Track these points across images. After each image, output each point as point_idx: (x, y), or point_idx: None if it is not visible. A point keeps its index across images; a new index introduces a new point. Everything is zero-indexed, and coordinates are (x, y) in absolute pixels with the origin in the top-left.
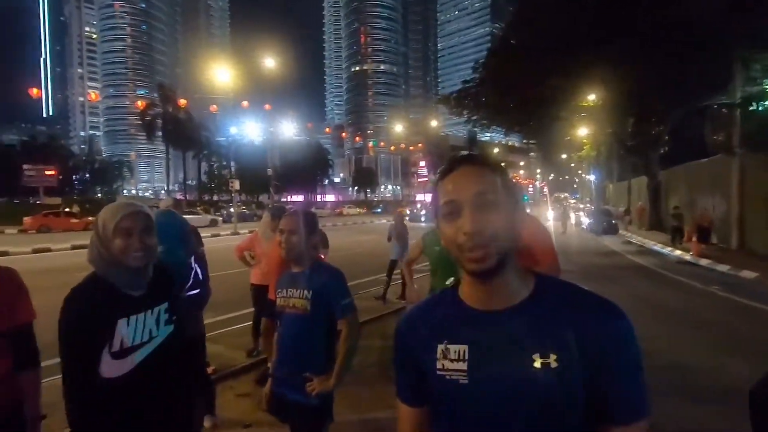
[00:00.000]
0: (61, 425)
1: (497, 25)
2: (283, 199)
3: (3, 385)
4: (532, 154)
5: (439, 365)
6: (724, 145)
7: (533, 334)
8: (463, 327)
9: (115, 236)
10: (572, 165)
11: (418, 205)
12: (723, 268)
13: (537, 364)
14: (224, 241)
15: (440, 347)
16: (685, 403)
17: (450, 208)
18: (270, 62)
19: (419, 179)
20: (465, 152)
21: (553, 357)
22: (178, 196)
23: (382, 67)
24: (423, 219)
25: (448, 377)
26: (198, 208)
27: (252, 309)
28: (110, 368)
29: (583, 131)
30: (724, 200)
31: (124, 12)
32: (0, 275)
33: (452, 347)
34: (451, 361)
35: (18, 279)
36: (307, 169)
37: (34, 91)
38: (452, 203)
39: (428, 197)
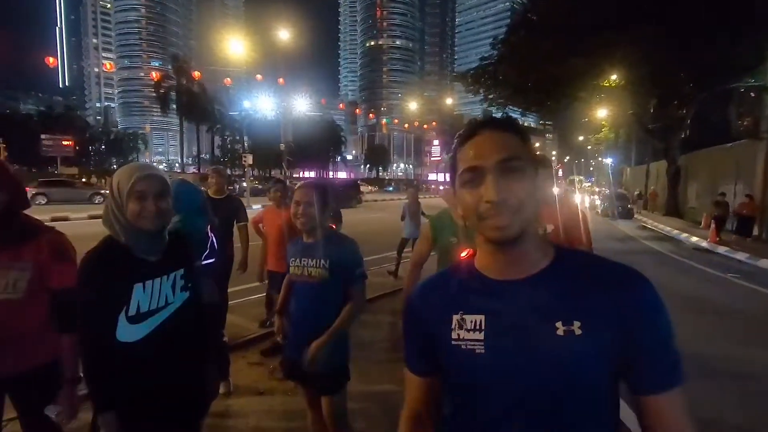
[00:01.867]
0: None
1: (518, 0)
2: (295, 175)
3: (39, 337)
4: (548, 135)
5: (454, 335)
6: (751, 130)
7: (555, 302)
8: (480, 297)
9: (129, 199)
10: (589, 147)
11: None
12: (741, 256)
13: (560, 332)
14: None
15: (455, 317)
16: (704, 390)
17: (472, 174)
18: (284, 35)
19: (432, 158)
20: (488, 118)
21: (577, 324)
22: (192, 169)
23: (397, 42)
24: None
25: (463, 347)
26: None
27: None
28: (127, 332)
29: (602, 113)
30: (747, 187)
31: None
32: (53, 238)
33: (468, 317)
34: (468, 331)
35: (68, 244)
36: (319, 145)
37: (50, 60)
38: (475, 170)
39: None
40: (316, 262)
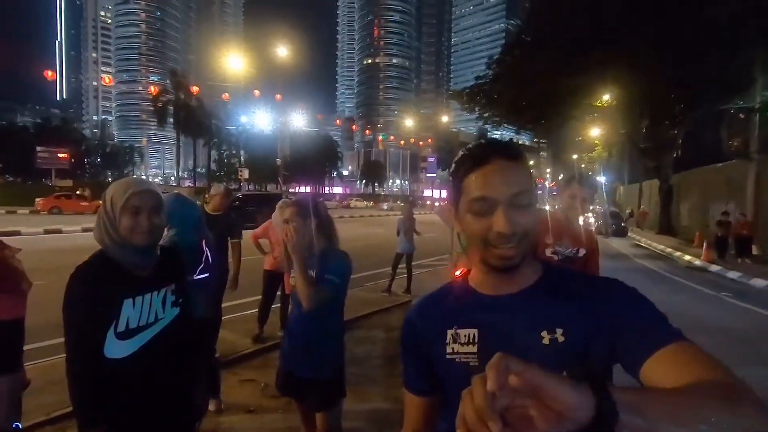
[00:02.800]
0: (64, 405)
1: (512, 22)
2: (291, 190)
3: None
4: (542, 153)
5: (448, 349)
6: (741, 151)
7: (540, 313)
8: (473, 312)
9: (123, 214)
10: (583, 166)
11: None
12: (734, 275)
13: (545, 341)
14: None
15: (450, 332)
16: None
17: (482, 204)
18: (282, 51)
19: (427, 174)
20: (495, 140)
21: (559, 331)
22: (188, 183)
23: (394, 60)
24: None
25: (457, 360)
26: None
27: (259, 296)
28: (115, 349)
29: (595, 131)
30: (738, 207)
31: None
32: None
33: (462, 331)
34: (462, 344)
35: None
36: (316, 161)
37: (49, 73)
38: (485, 200)
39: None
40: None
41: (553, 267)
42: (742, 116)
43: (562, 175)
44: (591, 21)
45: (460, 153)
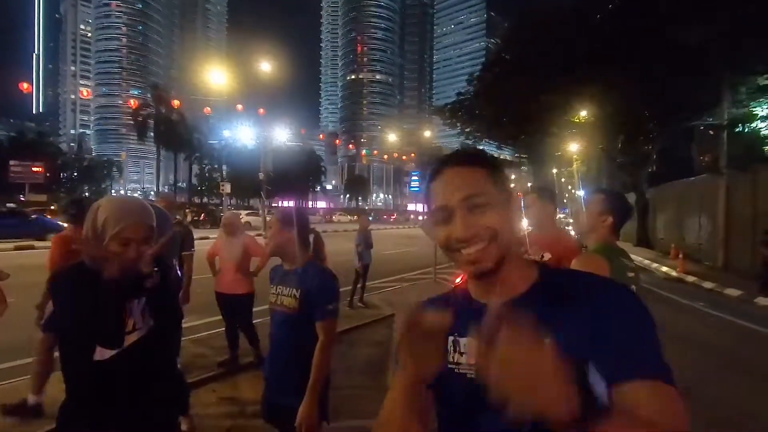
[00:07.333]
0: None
1: (492, 41)
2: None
3: None
4: (523, 168)
5: (450, 358)
6: (711, 166)
7: (529, 322)
8: (470, 320)
9: (112, 240)
10: (563, 180)
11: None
12: (709, 285)
13: None
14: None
15: (450, 339)
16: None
17: (441, 214)
18: (265, 66)
19: (411, 188)
20: (454, 151)
21: (546, 341)
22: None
23: (377, 76)
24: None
25: (457, 371)
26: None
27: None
28: (97, 352)
29: (574, 147)
30: (710, 220)
31: (121, 12)
32: None
33: (461, 340)
34: (461, 354)
35: None
36: (299, 175)
37: (25, 85)
38: (443, 209)
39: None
40: (290, 291)
41: (551, 270)
42: (712, 133)
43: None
44: (564, 52)
45: (431, 169)
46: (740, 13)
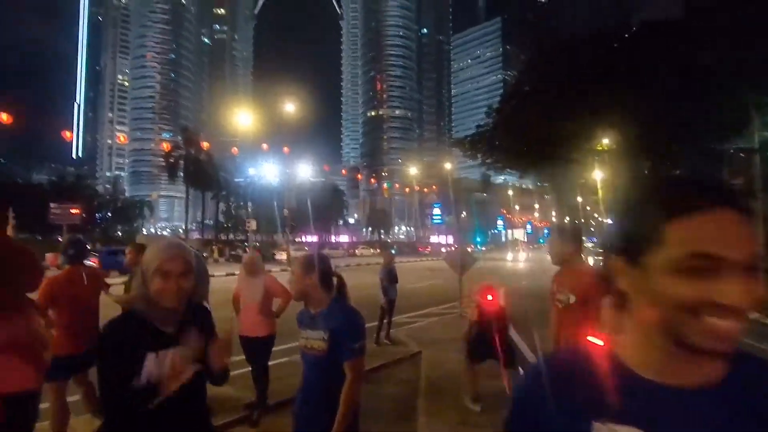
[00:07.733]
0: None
1: (509, 73)
2: (297, 239)
3: None
4: (546, 196)
5: None
6: (744, 189)
7: (737, 422)
8: (634, 402)
9: (154, 276)
10: (588, 208)
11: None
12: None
13: None
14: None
15: (597, 424)
16: None
17: (703, 263)
18: (289, 107)
19: (433, 221)
20: (715, 185)
21: None
22: (195, 235)
23: (397, 112)
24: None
25: None
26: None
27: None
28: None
29: (598, 174)
30: None
31: (155, 62)
32: None
33: (620, 428)
34: None
35: None
36: (322, 210)
37: (67, 134)
38: (709, 258)
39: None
40: (317, 334)
41: (743, 353)
42: (743, 155)
43: (567, 218)
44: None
45: (649, 191)
46: None
